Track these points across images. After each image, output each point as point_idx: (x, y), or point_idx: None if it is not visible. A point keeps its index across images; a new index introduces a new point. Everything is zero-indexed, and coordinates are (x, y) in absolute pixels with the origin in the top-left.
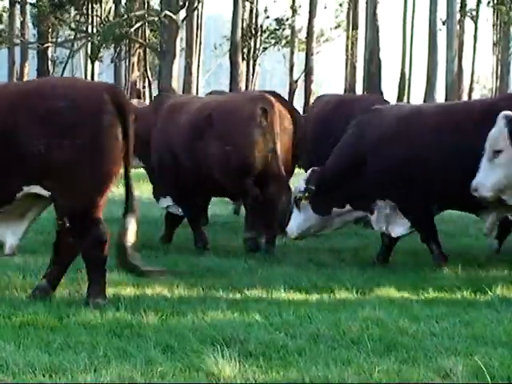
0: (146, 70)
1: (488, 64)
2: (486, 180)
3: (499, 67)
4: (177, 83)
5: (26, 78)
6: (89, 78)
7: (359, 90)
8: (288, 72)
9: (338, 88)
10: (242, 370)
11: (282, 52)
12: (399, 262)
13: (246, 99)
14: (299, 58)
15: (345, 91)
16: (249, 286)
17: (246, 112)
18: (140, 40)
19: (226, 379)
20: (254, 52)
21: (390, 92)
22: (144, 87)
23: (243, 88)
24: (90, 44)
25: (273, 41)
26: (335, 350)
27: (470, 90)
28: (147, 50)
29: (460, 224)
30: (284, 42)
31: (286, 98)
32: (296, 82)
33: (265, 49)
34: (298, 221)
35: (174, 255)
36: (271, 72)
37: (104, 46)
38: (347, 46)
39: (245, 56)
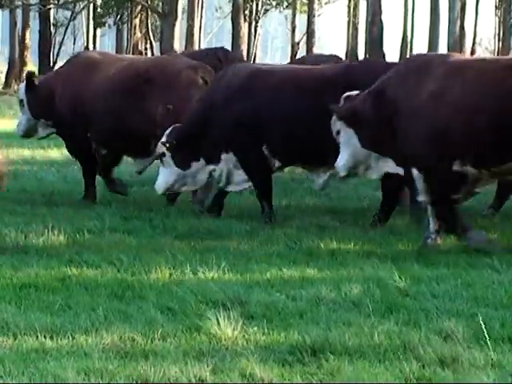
0: (147, 32)
1: (490, 26)
2: (339, 161)
3: (501, 29)
4: (178, 45)
5: (27, 41)
6: (91, 40)
7: (361, 52)
8: (290, 34)
9: (339, 50)
10: (243, 331)
11: (284, 14)
12: (400, 223)
13: (187, 66)
14: (301, 20)
15: (346, 53)
16: (250, 248)
17: (187, 78)
18: (142, 2)
19: (227, 340)
20: (256, 14)
21: (392, 54)
22: (146, 49)
23: (245, 50)
24: (92, 6)
25: (274, 2)
26: (336, 311)
27: (472, 51)
28: (149, 11)
29: None
30: (286, 3)
31: (288, 60)
32: (298, 43)
33: (266, 10)
34: (164, 176)
35: (174, 218)
36: (273, 34)
37: (107, 11)
38: (349, 7)
39: (247, 18)
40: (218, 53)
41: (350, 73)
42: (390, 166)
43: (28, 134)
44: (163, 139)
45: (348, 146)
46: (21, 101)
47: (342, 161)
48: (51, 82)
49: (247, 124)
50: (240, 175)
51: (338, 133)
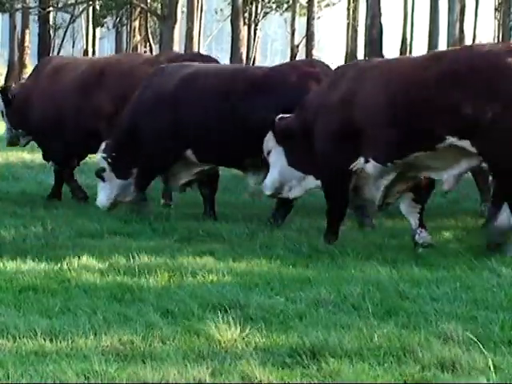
0: (147, 35)
1: (489, 29)
2: (266, 180)
3: (500, 32)
4: (178, 48)
5: (27, 44)
6: (90, 43)
7: (360, 54)
8: (289, 37)
9: (339, 53)
10: (243, 334)
11: (283, 17)
12: (400, 226)
13: (143, 64)
14: (300, 22)
15: (346, 56)
16: (249, 251)
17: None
18: (142, 5)
19: (227, 343)
20: (256, 17)
21: (391, 56)
22: (145, 52)
23: (244, 53)
24: (91, 9)
25: (274, 5)
26: (335, 314)
27: None
28: (148, 14)
29: (461, 189)
30: (285, 6)
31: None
32: (297, 46)
33: (266, 13)
34: (105, 191)
35: (173, 221)
36: (273, 37)
37: (107, 11)
38: (348, 10)
39: (246, 21)
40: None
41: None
42: (312, 183)
43: (12, 143)
44: (102, 155)
45: (276, 165)
46: (1, 112)
47: (270, 180)
48: (22, 93)
49: (171, 128)
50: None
51: (269, 153)
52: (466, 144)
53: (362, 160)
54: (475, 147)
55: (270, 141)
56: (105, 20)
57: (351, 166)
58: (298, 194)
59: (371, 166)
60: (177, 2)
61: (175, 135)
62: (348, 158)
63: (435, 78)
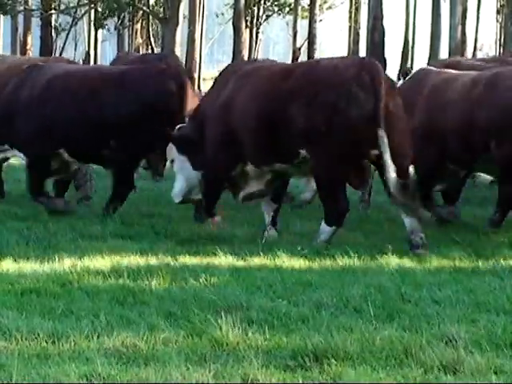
0: (149, 38)
1: (491, 31)
2: (174, 189)
3: (502, 35)
4: (180, 50)
5: (29, 46)
6: (92, 45)
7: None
8: (291, 39)
9: (341, 55)
10: (245, 336)
11: (285, 20)
12: (402, 229)
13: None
14: (302, 25)
15: None
16: (251, 254)
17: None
18: (143, 7)
19: (229, 345)
20: (258, 20)
21: (393, 59)
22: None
23: (246, 55)
24: (93, 11)
25: (276, 8)
26: (338, 317)
27: (473, 57)
28: (150, 17)
29: (463, 192)
30: (287, 9)
31: None
32: (299, 49)
33: (268, 16)
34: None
35: (175, 223)
36: (274, 39)
37: (108, 13)
38: (350, 13)
39: (248, 24)
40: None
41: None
42: None
43: None
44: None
45: (182, 172)
46: None
47: (177, 188)
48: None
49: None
50: None
51: (173, 161)
52: (304, 153)
53: (243, 163)
54: (310, 155)
55: (171, 151)
56: (106, 22)
57: (233, 169)
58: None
59: (251, 168)
60: (179, 5)
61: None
62: (230, 161)
63: (285, 92)
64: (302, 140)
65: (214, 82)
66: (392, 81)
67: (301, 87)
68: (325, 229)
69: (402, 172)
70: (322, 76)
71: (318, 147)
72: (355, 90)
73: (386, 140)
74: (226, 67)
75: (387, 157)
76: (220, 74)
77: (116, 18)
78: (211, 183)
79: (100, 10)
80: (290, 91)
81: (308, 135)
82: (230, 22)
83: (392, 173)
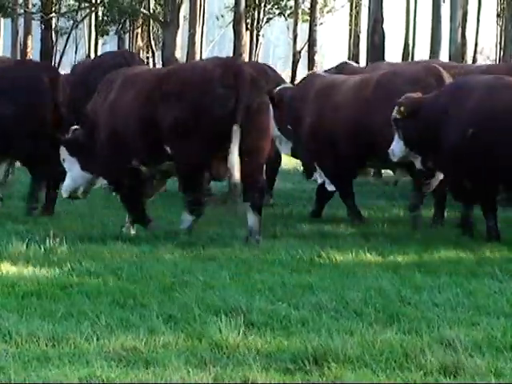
0: (149, 41)
1: (492, 35)
2: (64, 185)
3: (503, 38)
4: (180, 53)
5: (29, 49)
6: (92, 48)
7: (363, 60)
8: (291, 43)
9: (341, 59)
10: (245, 339)
11: (285, 22)
12: (402, 232)
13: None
14: (303, 28)
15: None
16: (251, 257)
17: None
18: (144, 10)
19: (229, 348)
20: (258, 22)
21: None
22: (148, 57)
23: (247, 58)
24: (93, 15)
25: (277, 11)
26: (338, 320)
27: (474, 60)
28: (151, 20)
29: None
30: (288, 12)
31: (290, 68)
32: (299, 52)
33: (268, 19)
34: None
35: (176, 226)
36: (275, 42)
37: (111, 20)
38: (351, 16)
39: (248, 26)
40: (125, 54)
41: None
42: (102, 181)
43: None
44: None
45: (71, 171)
46: None
47: (66, 185)
48: None
49: None
50: None
51: (64, 160)
52: (170, 151)
53: (135, 162)
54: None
55: (62, 151)
56: (108, 28)
57: (127, 167)
58: (88, 192)
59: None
60: (179, 8)
61: None
62: (123, 160)
63: (159, 94)
64: (168, 137)
65: (99, 87)
66: (259, 80)
67: (172, 88)
68: (186, 217)
69: (252, 167)
70: (190, 77)
71: (179, 142)
72: (219, 89)
73: (238, 135)
74: (111, 73)
75: (234, 151)
76: (104, 79)
77: (117, 23)
78: (116, 182)
79: (100, 14)
80: (164, 93)
81: (172, 132)
82: (231, 25)
83: (236, 167)
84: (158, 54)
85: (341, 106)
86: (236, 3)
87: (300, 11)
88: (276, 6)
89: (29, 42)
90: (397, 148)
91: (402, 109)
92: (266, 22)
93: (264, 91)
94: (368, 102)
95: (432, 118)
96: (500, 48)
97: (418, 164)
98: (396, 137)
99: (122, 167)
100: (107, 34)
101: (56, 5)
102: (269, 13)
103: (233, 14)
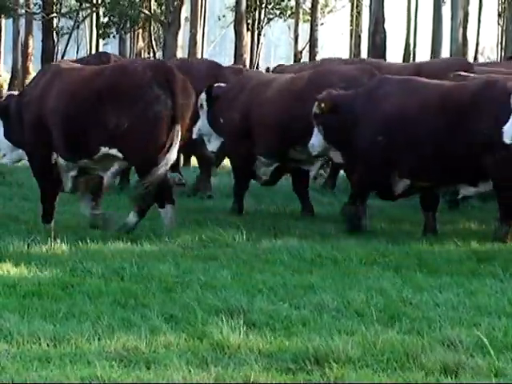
0: (150, 41)
1: (493, 35)
2: None
3: (503, 38)
4: (181, 53)
5: (30, 49)
6: (93, 48)
7: None
8: (293, 43)
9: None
10: (247, 339)
11: (287, 23)
12: (403, 232)
13: None
14: (304, 29)
15: None
16: (252, 257)
17: None
18: (145, 11)
19: (231, 349)
20: (259, 23)
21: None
22: (149, 58)
23: (248, 59)
24: (94, 15)
25: (278, 12)
26: (339, 320)
27: (475, 60)
28: (152, 20)
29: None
30: (289, 12)
31: None
32: (301, 52)
33: (269, 20)
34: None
35: (177, 226)
36: (276, 43)
37: (112, 23)
38: (352, 16)
39: (249, 27)
40: (102, 56)
41: None
42: (22, 155)
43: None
44: None
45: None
46: None
47: None
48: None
49: None
50: None
51: None
52: (115, 152)
53: (55, 155)
54: (121, 154)
55: None
56: (109, 30)
57: (50, 158)
58: (9, 161)
59: (60, 161)
60: (180, 9)
61: None
62: (45, 151)
63: (91, 92)
64: (105, 137)
65: (37, 74)
66: (186, 81)
67: (105, 88)
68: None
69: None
70: (121, 78)
71: (122, 142)
72: (151, 90)
73: (179, 135)
74: (49, 65)
75: (175, 148)
76: (41, 69)
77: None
78: (39, 174)
79: (101, 14)
80: (95, 91)
81: (113, 132)
82: (232, 25)
83: (168, 163)
84: (159, 54)
85: (268, 102)
86: (237, 3)
87: (301, 11)
88: (277, 7)
89: (30, 42)
90: (316, 142)
91: (322, 105)
92: (267, 22)
93: (190, 91)
94: (296, 98)
95: (349, 115)
96: (501, 48)
97: (336, 158)
98: (316, 131)
99: (43, 157)
100: (108, 37)
101: (57, 5)
102: (270, 13)
103: (234, 14)
